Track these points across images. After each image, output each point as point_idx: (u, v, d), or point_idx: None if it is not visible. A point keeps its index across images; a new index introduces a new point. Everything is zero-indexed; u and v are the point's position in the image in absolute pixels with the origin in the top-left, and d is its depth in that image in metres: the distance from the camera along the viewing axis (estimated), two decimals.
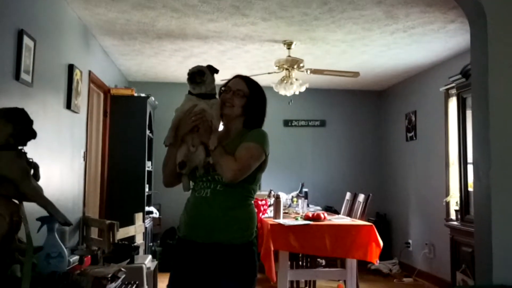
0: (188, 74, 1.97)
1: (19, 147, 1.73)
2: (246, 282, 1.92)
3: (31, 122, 1.77)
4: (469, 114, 4.39)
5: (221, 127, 2.05)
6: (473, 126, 2.65)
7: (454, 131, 4.93)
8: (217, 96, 2.02)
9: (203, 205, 1.92)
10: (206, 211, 1.91)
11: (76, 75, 3.83)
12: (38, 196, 1.73)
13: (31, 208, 1.86)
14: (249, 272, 1.93)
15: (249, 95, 2.00)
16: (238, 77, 2.07)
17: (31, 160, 1.78)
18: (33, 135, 1.75)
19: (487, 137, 2.45)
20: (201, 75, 1.95)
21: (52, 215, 1.74)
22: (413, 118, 6.02)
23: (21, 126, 1.71)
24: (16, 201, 1.73)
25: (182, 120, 1.93)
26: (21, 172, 1.68)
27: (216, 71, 2.00)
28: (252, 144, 1.93)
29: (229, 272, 1.89)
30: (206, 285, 1.93)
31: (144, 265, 3.26)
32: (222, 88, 2.04)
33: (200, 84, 1.94)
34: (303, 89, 4.89)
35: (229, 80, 2.07)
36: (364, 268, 5.59)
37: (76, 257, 2.66)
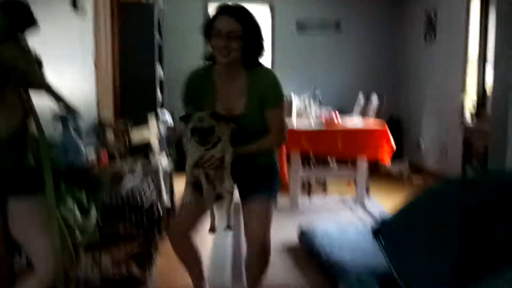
0: (196, 130, 1.77)
1: (20, 36, 1.68)
2: (272, 192, 2.06)
3: (28, 9, 1.69)
4: (491, 10, 4.18)
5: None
6: (497, 22, 2.53)
7: (475, 30, 4.73)
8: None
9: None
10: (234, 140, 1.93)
11: None
12: (49, 88, 1.71)
13: (43, 109, 1.86)
14: (274, 183, 2.08)
15: (243, 33, 1.81)
16: (226, 14, 1.82)
17: (34, 52, 1.74)
18: (31, 21, 1.68)
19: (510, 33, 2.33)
20: (212, 133, 1.78)
21: (59, 101, 1.72)
22: (434, 18, 5.74)
23: (17, 16, 1.65)
24: (28, 94, 1.72)
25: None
26: (31, 63, 1.66)
27: (226, 120, 1.86)
28: (279, 109, 1.94)
29: (258, 184, 2.02)
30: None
31: (160, 164, 3.35)
32: (210, 30, 1.83)
33: (208, 142, 1.79)
34: None
35: (214, 17, 1.84)
36: (374, 167, 5.70)
37: (93, 153, 2.73)
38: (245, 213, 2.05)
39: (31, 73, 1.64)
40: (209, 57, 1.93)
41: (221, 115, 1.83)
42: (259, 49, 1.91)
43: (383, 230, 1.65)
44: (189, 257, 2.14)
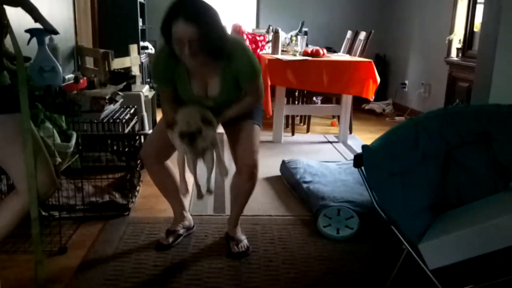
0: (184, 134, 1.77)
1: None
2: (256, 118, 2.08)
3: None
4: None
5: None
6: None
7: None
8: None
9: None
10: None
11: None
12: (23, 2, 1.60)
13: (17, 23, 1.75)
14: (258, 113, 2.10)
15: (203, 35, 1.70)
16: (182, 19, 1.68)
17: None
18: None
19: None
20: (199, 134, 1.78)
21: (38, 21, 1.63)
22: None
23: None
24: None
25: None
26: None
27: (212, 122, 1.84)
28: (256, 81, 1.94)
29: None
30: None
31: (141, 92, 3.27)
32: (169, 32, 1.71)
33: (196, 143, 1.80)
34: None
35: (170, 19, 1.70)
36: (358, 107, 5.71)
37: (71, 75, 2.63)
38: (232, 138, 2.05)
39: None
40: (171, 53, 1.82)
41: (210, 120, 1.84)
42: (222, 37, 1.81)
43: (365, 156, 1.65)
44: (165, 183, 2.16)
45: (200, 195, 1.96)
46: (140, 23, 5.02)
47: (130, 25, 4.84)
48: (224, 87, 1.90)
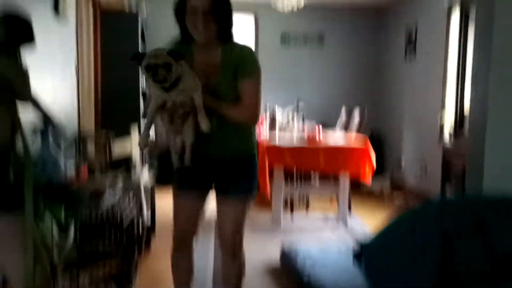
0: (149, 66, 1.62)
1: (15, 49, 1.66)
2: (250, 191, 2.03)
3: (27, 23, 1.67)
4: (470, 30, 4.28)
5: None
6: (475, 40, 2.58)
7: (454, 48, 4.83)
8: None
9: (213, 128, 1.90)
10: (217, 133, 1.88)
11: None
12: (36, 101, 1.70)
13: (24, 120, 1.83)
14: (253, 182, 2.04)
15: (217, 8, 1.80)
16: None
17: (25, 65, 1.71)
18: (29, 37, 1.66)
19: (489, 49, 2.39)
20: (168, 70, 1.63)
21: (48, 120, 1.71)
22: (414, 36, 5.85)
23: (16, 30, 1.63)
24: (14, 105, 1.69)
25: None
26: (20, 75, 1.64)
27: (182, 57, 1.72)
28: (255, 80, 1.89)
29: (236, 181, 1.99)
30: (204, 194, 2.05)
31: (141, 179, 3.31)
32: (183, 8, 1.80)
33: (166, 81, 1.65)
34: (301, 2, 4.68)
35: None
36: (356, 188, 5.73)
37: (71, 166, 2.68)
38: (220, 214, 2.03)
39: (19, 85, 1.62)
40: (185, 36, 1.87)
41: (180, 53, 1.70)
42: (232, 22, 1.91)
43: (364, 253, 1.65)
44: (184, 269, 2.12)
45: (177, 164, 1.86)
46: (142, 103, 5.18)
47: (132, 107, 4.97)
48: (225, 76, 1.87)
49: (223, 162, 1.98)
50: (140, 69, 1.65)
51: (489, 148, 2.47)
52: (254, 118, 1.92)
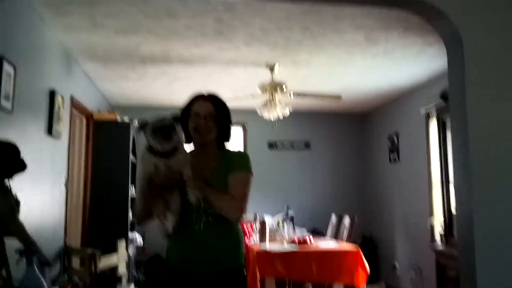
0: (156, 128, 1.75)
1: (5, 181, 1.69)
2: None
3: (18, 153, 1.73)
4: (449, 135, 4.46)
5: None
6: (453, 150, 2.68)
7: (435, 153, 4.99)
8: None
9: (198, 238, 1.92)
10: (202, 244, 1.91)
11: (58, 100, 3.79)
12: (23, 234, 1.70)
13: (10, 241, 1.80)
14: None
15: (218, 115, 1.98)
16: (201, 98, 2.01)
17: (15, 195, 1.74)
18: (21, 167, 1.71)
19: (467, 161, 2.47)
20: (173, 130, 1.76)
21: (34, 254, 1.71)
22: (396, 140, 6.09)
23: (5, 160, 1.67)
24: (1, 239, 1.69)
25: (152, 182, 1.81)
26: (9, 210, 1.65)
27: (179, 120, 1.89)
28: (244, 174, 1.96)
29: None
30: None
31: None
32: (187, 114, 1.98)
33: (169, 141, 1.76)
34: (287, 112, 4.92)
35: (192, 101, 2.01)
36: None
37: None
38: None
39: (8, 220, 1.63)
40: (187, 138, 2.02)
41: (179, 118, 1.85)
42: (230, 129, 2.05)
43: None
44: None
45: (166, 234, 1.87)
46: (130, 215, 5.12)
47: (120, 219, 4.92)
48: (217, 171, 1.93)
49: (210, 277, 1.91)
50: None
51: (480, 254, 2.44)
52: (239, 210, 1.90)
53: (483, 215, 2.43)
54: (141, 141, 1.88)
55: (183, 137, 1.92)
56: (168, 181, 1.81)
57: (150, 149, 1.78)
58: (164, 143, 1.76)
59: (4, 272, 1.59)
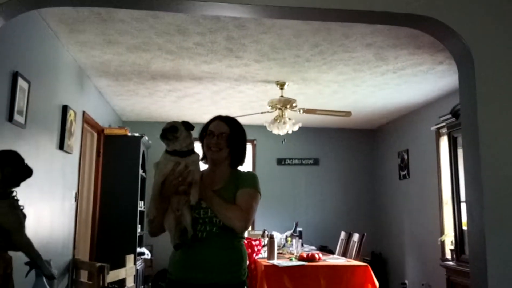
0: (162, 130, 1.92)
1: (13, 193, 1.71)
2: None
3: (21, 161, 1.74)
4: (460, 153, 4.43)
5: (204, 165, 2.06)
6: (465, 167, 2.66)
7: (446, 170, 4.95)
8: (194, 146, 1.97)
9: (199, 247, 1.91)
10: (203, 253, 1.91)
11: (70, 115, 3.84)
12: (30, 248, 1.72)
13: (19, 253, 1.82)
14: None
15: (232, 136, 2.02)
16: (218, 119, 2.07)
17: (22, 207, 1.76)
18: (27, 173, 1.73)
19: (479, 178, 2.45)
20: (173, 132, 1.89)
21: (40, 268, 1.73)
22: (406, 157, 6.06)
23: (10, 169, 1.69)
24: (9, 254, 1.71)
25: (166, 182, 1.89)
26: (16, 224, 1.67)
27: (192, 127, 1.95)
28: (252, 190, 1.99)
29: None
30: None
31: None
32: (204, 133, 2.05)
33: (173, 141, 1.89)
34: (296, 128, 4.93)
35: (209, 123, 2.08)
36: None
37: None
38: None
39: (16, 233, 1.65)
40: (203, 156, 2.07)
41: (191, 125, 1.94)
42: (243, 152, 2.09)
43: None
44: None
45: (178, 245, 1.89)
46: (138, 230, 5.14)
47: (128, 233, 4.94)
48: (226, 186, 1.97)
49: None
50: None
51: (492, 270, 2.41)
52: (243, 219, 1.91)
53: (495, 231, 2.40)
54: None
55: (193, 143, 1.97)
56: (181, 181, 1.87)
57: (167, 151, 1.92)
58: (166, 142, 1.90)
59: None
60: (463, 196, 4.33)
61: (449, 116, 4.21)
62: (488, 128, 2.47)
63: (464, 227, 4.16)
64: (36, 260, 1.72)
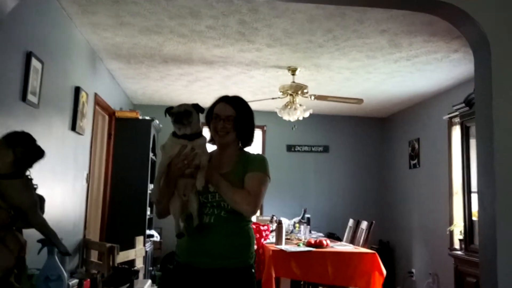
0: (174, 114, 1.87)
1: (26, 172, 1.72)
2: None
3: (33, 142, 1.75)
4: (472, 143, 4.39)
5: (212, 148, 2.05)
6: (478, 156, 2.64)
7: (457, 160, 4.92)
8: (202, 129, 1.95)
9: (207, 231, 1.91)
10: (211, 238, 1.91)
11: (82, 97, 3.86)
12: (44, 227, 1.73)
13: (31, 230, 1.85)
14: None
15: (238, 118, 1.99)
16: (224, 100, 2.03)
17: (36, 187, 1.77)
18: (39, 154, 1.74)
19: (492, 167, 2.43)
20: (188, 116, 1.86)
21: (55, 245, 1.75)
22: (417, 146, 6.02)
23: (22, 149, 1.69)
24: (24, 238, 1.73)
25: (172, 165, 1.87)
26: (31, 203, 1.68)
27: (202, 110, 1.93)
28: (260, 174, 1.97)
29: None
30: None
31: None
32: (210, 117, 2.01)
33: (186, 126, 1.86)
34: (307, 114, 4.91)
35: (214, 105, 2.04)
36: None
37: (75, 281, 2.63)
38: None
39: (31, 213, 1.67)
40: (211, 139, 2.06)
41: (201, 107, 1.92)
42: (251, 133, 2.06)
43: None
44: None
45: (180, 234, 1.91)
46: (148, 212, 5.18)
47: (138, 216, 4.99)
48: (235, 169, 1.95)
49: (216, 273, 1.89)
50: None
51: (502, 266, 2.40)
52: (251, 203, 1.89)
53: (506, 221, 2.39)
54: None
55: (200, 126, 1.95)
56: (187, 164, 1.85)
57: (174, 134, 1.90)
58: (180, 126, 1.87)
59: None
60: (474, 187, 4.31)
61: (463, 105, 4.16)
62: (503, 116, 2.43)
63: (474, 218, 4.14)
64: (51, 238, 1.74)
